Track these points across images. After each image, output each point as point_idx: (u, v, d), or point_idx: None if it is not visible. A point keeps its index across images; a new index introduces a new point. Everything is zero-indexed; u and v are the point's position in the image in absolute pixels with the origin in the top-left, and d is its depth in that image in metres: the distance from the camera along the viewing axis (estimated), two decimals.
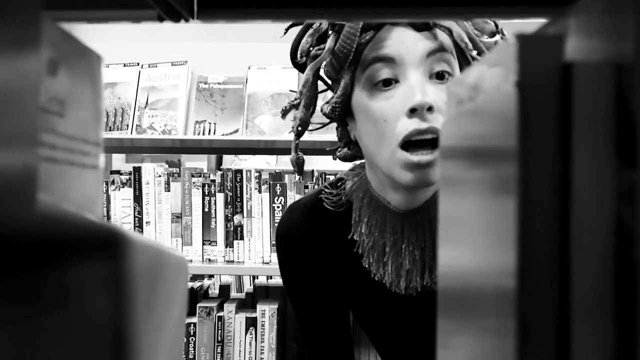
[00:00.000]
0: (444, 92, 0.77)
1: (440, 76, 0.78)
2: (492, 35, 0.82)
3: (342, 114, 0.84)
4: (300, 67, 0.88)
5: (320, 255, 0.92)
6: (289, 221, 0.95)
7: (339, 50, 0.77)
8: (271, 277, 2.06)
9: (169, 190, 1.97)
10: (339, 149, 0.93)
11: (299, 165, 0.84)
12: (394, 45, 0.77)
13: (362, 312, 0.97)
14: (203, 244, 1.96)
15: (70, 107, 0.33)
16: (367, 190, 0.88)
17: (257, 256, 1.93)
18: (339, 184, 0.93)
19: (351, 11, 0.59)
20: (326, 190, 0.93)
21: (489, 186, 0.27)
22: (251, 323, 1.90)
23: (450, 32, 0.79)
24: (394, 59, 0.76)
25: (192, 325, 1.92)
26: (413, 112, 0.75)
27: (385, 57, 0.77)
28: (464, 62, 0.81)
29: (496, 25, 0.84)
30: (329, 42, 0.79)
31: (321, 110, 0.86)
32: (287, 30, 0.86)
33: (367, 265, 0.89)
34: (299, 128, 0.83)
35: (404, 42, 0.77)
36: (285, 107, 0.89)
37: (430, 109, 0.75)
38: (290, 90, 0.98)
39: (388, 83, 0.77)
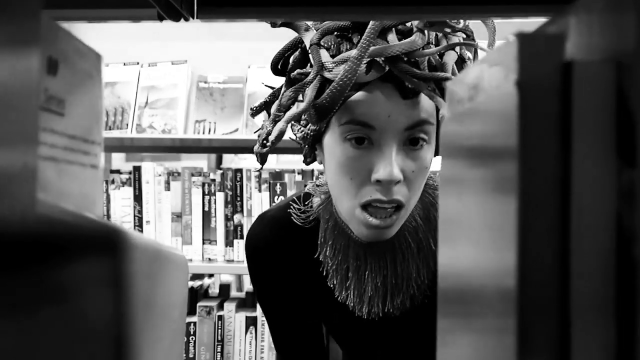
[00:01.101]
0: (414, 160, 0.77)
1: (414, 142, 0.77)
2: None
3: (313, 142, 0.84)
4: (281, 75, 0.88)
5: (288, 268, 0.94)
6: (258, 231, 0.96)
7: (322, 103, 0.76)
8: None
9: (168, 190, 1.97)
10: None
11: (262, 156, 0.84)
12: (377, 112, 0.75)
13: (330, 327, 0.98)
14: (203, 243, 1.96)
15: (70, 107, 0.33)
16: (332, 213, 0.89)
17: None
18: (306, 200, 0.93)
19: (349, 11, 0.59)
20: (294, 205, 0.93)
21: (489, 186, 0.27)
22: (251, 322, 1.90)
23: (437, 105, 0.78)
24: (374, 127, 0.76)
25: (192, 324, 1.92)
26: (379, 182, 0.76)
27: (366, 124, 0.76)
28: None
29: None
30: (311, 91, 0.77)
31: (292, 130, 0.86)
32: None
33: (332, 286, 0.89)
34: (264, 141, 0.82)
35: (388, 113, 0.75)
36: (255, 106, 0.88)
37: (397, 182, 0.76)
38: (265, 85, 0.96)
39: (361, 141, 0.77)
